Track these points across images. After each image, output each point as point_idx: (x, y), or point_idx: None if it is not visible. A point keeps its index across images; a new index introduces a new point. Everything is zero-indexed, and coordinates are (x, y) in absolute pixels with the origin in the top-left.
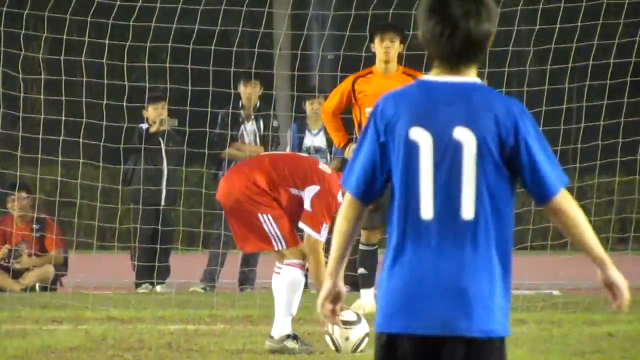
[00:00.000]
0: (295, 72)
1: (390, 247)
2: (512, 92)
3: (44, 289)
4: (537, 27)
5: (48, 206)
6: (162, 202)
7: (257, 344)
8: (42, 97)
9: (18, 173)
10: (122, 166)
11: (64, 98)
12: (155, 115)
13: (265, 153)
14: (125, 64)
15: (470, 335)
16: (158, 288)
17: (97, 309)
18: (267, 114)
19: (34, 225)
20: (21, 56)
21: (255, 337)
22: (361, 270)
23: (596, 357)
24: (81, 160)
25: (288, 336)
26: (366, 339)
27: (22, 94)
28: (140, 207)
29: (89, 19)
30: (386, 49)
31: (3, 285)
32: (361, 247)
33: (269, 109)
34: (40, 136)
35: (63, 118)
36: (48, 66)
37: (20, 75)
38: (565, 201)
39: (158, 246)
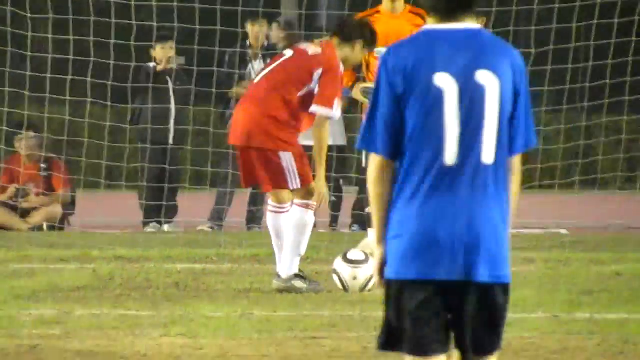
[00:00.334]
0: (303, 11)
1: (405, 193)
2: (520, 32)
3: (51, 228)
4: None
5: (55, 145)
6: (170, 141)
7: (264, 283)
8: (50, 36)
9: (26, 112)
10: (129, 105)
11: (71, 37)
12: (163, 55)
13: (257, 80)
14: (132, 2)
15: (485, 280)
16: (166, 227)
17: (104, 248)
18: (274, 53)
19: (42, 165)
20: None
21: (263, 276)
22: (369, 210)
23: (604, 295)
24: (89, 100)
25: (296, 275)
26: (374, 278)
27: (30, 33)
28: (148, 146)
29: None
30: None
31: (11, 224)
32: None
33: (275, 48)
34: (48, 75)
35: (71, 57)
36: (56, 5)
37: (28, 15)
38: (519, 165)
39: (166, 185)
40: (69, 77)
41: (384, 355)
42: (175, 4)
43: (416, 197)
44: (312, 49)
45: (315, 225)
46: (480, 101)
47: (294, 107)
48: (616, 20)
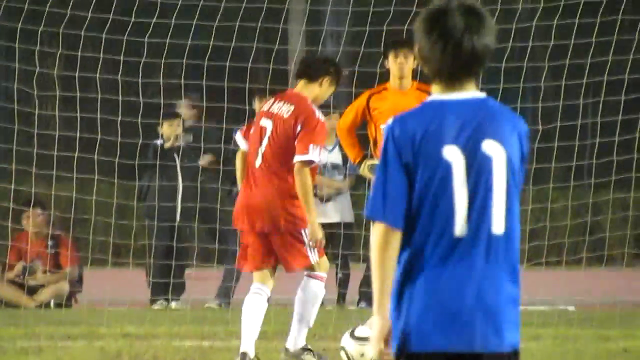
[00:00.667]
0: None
1: (415, 267)
2: (527, 108)
3: (58, 305)
4: (552, 42)
5: (63, 223)
6: (177, 219)
7: (272, 359)
8: (57, 113)
9: (33, 190)
10: (136, 182)
11: (78, 115)
12: (171, 132)
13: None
14: (140, 80)
15: (501, 350)
16: (173, 304)
17: (112, 326)
18: None
19: (49, 242)
20: (36, 73)
21: (270, 353)
22: None
23: None
24: (96, 177)
25: (304, 349)
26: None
27: (36, 111)
28: (155, 223)
29: (103, 35)
30: (400, 65)
31: (18, 302)
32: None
33: None
34: (55, 153)
35: (78, 135)
36: (63, 83)
37: (35, 92)
38: None
39: (173, 262)
40: (76, 154)
41: None
42: (182, 81)
43: (426, 267)
44: (283, 109)
45: (322, 303)
46: (487, 172)
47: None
48: (622, 98)
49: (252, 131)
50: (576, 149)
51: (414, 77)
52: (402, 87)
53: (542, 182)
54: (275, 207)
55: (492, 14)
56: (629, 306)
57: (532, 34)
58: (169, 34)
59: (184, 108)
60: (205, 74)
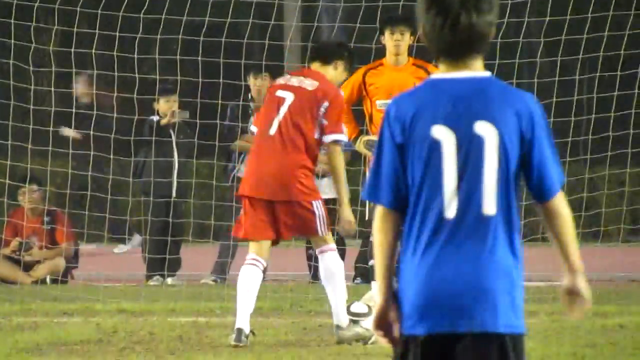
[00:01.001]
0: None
1: (409, 249)
2: (522, 84)
3: (54, 281)
4: (547, 18)
5: (59, 199)
6: (173, 195)
7: (267, 336)
8: (52, 89)
9: (29, 166)
10: (132, 158)
11: (74, 90)
12: (167, 108)
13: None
14: (135, 56)
15: (497, 330)
16: (169, 280)
17: (107, 302)
18: None
19: (45, 218)
20: (31, 49)
21: (266, 329)
22: (372, 262)
23: (608, 348)
24: (92, 153)
25: (352, 321)
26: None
27: (32, 87)
28: (151, 199)
29: (99, 11)
30: (396, 42)
31: (14, 278)
32: (372, 238)
33: None
34: (51, 129)
35: (73, 110)
36: (58, 59)
37: (31, 68)
38: (562, 203)
39: (169, 238)
40: (72, 130)
41: None
42: (178, 57)
43: (418, 249)
44: (306, 83)
45: (316, 278)
46: (478, 152)
47: (315, 151)
48: (618, 73)
49: (264, 104)
50: (572, 124)
51: (409, 53)
52: (398, 63)
53: None
54: (288, 176)
55: None
56: (625, 282)
57: (528, 10)
58: (165, 9)
59: (81, 85)
60: (200, 50)
